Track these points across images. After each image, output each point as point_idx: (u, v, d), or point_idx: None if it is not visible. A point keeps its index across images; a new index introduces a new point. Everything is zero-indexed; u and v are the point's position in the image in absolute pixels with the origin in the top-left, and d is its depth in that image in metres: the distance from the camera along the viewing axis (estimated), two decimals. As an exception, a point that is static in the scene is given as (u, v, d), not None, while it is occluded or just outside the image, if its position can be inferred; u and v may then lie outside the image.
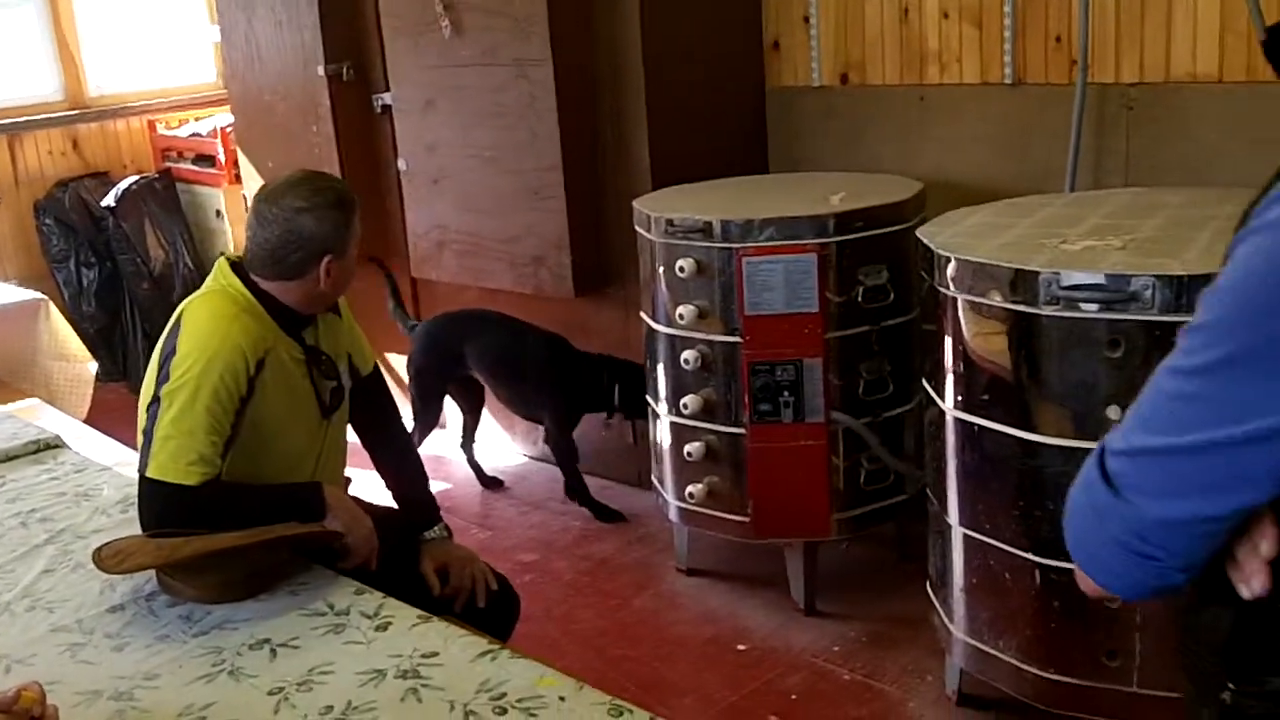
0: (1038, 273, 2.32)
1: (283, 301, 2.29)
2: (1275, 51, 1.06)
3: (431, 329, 4.12)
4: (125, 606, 2.03)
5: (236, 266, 2.32)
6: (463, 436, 4.32)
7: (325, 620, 1.92)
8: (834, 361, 3.11)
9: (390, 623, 1.89)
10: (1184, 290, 2.18)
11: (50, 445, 2.84)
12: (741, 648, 3.16)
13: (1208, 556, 1.00)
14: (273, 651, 1.84)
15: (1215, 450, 0.93)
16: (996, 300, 2.39)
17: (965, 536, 2.62)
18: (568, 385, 3.93)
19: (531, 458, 4.48)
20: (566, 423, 3.98)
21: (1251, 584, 1.00)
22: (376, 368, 2.59)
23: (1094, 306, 2.27)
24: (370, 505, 2.48)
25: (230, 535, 1.99)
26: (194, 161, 5.68)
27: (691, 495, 3.29)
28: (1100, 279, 2.25)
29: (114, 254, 5.60)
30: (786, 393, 3.09)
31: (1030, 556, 2.47)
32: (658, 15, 3.70)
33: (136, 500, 2.27)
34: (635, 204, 3.43)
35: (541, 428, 4.11)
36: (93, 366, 4.49)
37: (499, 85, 3.88)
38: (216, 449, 2.15)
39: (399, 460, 2.60)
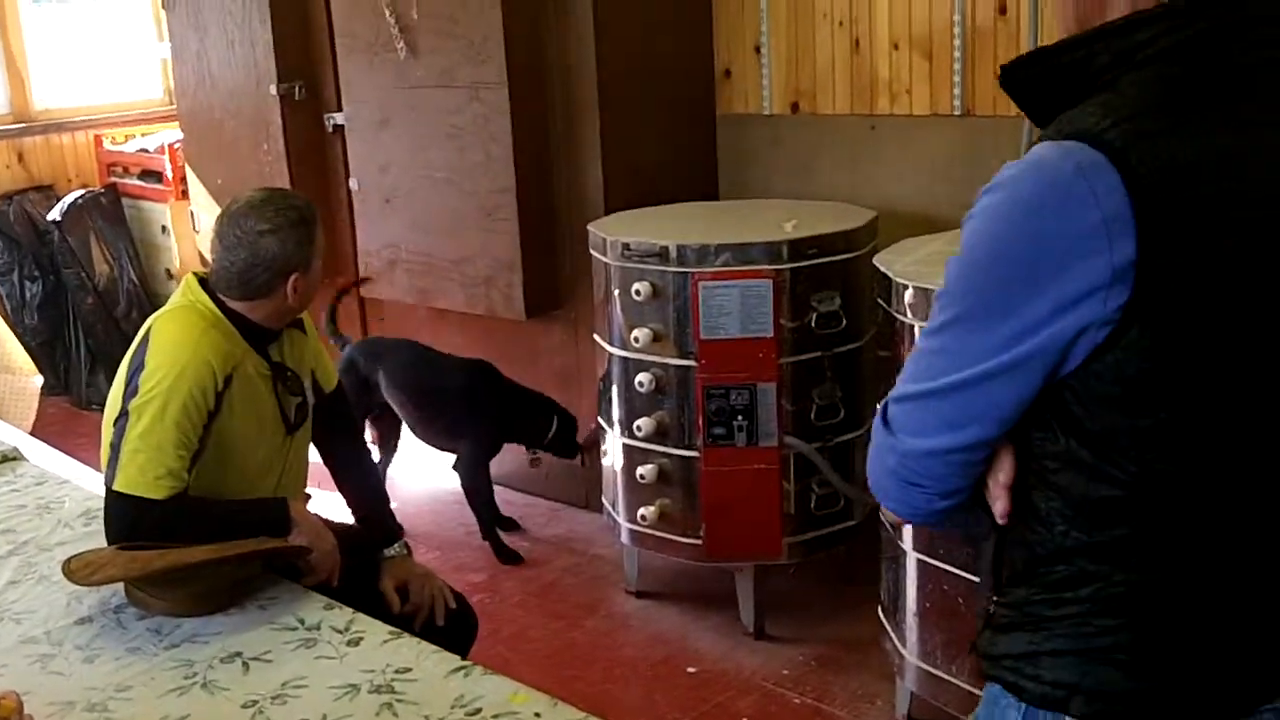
0: (990, 302, 2.38)
1: (250, 318, 2.31)
2: (1010, 86, 1.20)
3: (351, 354, 4.04)
4: (94, 618, 2.03)
5: (204, 282, 2.33)
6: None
7: (296, 635, 1.94)
8: (787, 386, 3.17)
9: (361, 638, 1.91)
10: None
11: (8, 457, 2.83)
12: (692, 670, 3.20)
13: (965, 485, 1.18)
14: (245, 665, 1.86)
15: (953, 392, 1.12)
16: (950, 328, 2.46)
17: (919, 562, 2.69)
18: (491, 414, 3.89)
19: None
20: (485, 453, 3.94)
21: (995, 508, 1.19)
22: (339, 385, 2.61)
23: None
24: (331, 522, 2.49)
25: (202, 549, 2.00)
26: (140, 177, 5.64)
27: (643, 517, 3.33)
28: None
29: (58, 268, 5.54)
30: (740, 416, 3.14)
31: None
32: (612, 41, 3.76)
33: (101, 513, 2.27)
34: (590, 227, 3.48)
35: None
36: (38, 380, 4.47)
37: (454, 107, 3.91)
38: (184, 463, 2.16)
39: (360, 477, 2.62)
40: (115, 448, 2.17)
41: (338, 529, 2.42)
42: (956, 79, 3.58)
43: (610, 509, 3.55)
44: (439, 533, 4.06)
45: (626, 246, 3.24)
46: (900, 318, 2.61)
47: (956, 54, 3.57)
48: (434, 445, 4.08)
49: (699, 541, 3.29)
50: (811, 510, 3.29)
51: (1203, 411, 1.05)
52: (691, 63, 4.06)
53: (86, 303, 5.52)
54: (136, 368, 2.22)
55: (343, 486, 2.63)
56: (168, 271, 5.58)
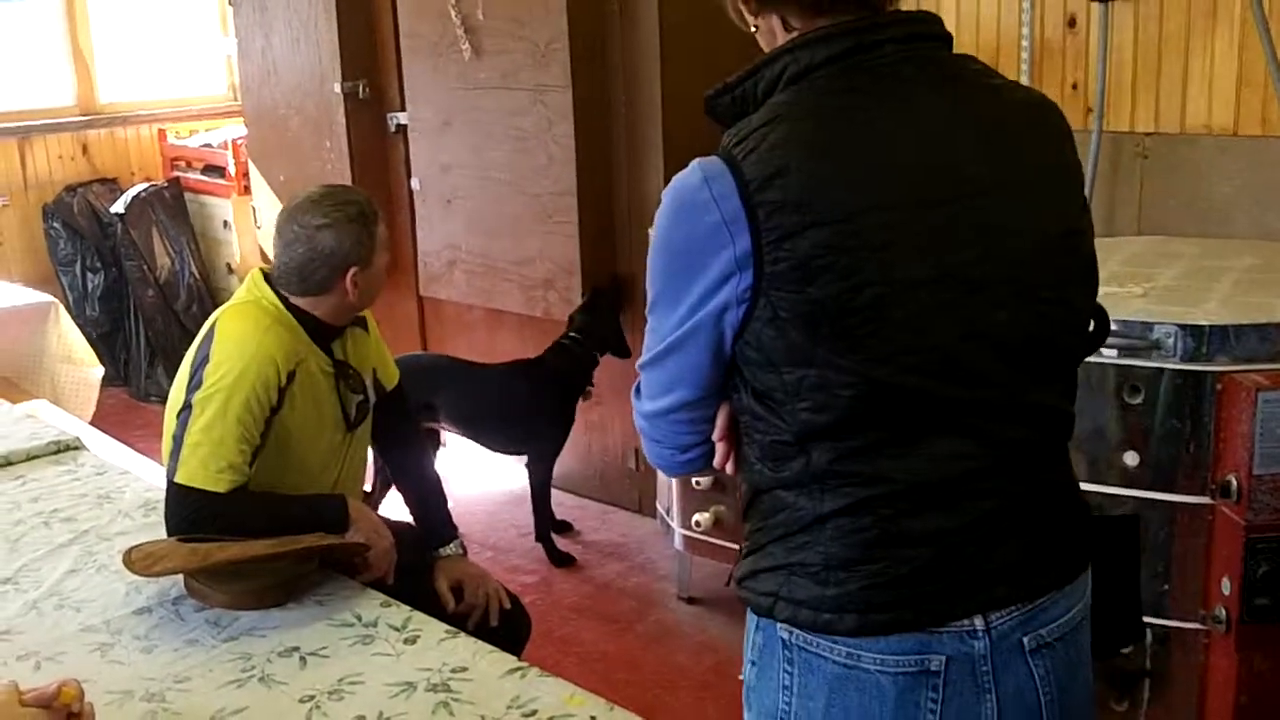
0: (1059, 316, 2.35)
1: (312, 314, 2.31)
2: (711, 113, 1.37)
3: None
4: (152, 609, 2.04)
5: (269, 278, 2.34)
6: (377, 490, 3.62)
7: (353, 631, 1.93)
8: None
9: (418, 636, 1.91)
10: (1206, 340, 2.23)
11: (70, 446, 2.85)
12: (743, 678, 3.16)
13: (696, 441, 1.38)
14: (302, 660, 1.85)
15: (658, 361, 1.33)
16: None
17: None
18: (554, 407, 3.84)
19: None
20: (557, 448, 3.90)
21: (715, 459, 1.39)
22: (400, 384, 2.61)
23: (1114, 352, 2.30)
24: (387, 519, 2.50)
25: (263, 544, 2.00)
26: (203, 172, 5.70)
27: (697, 524, 3.31)
28: (1122, 325, 2.28)
29: (120, 260, 5.61)
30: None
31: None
32: (676, 46, 3.75)
33: (160, 505, 2.29)
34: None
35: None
36: (98, 371, 4.51)
37: (517, 109, 3.92)
38: (245, 457, 2.17)
39: (419, 476, 2.62)
40: (178, 440, 2.18)
41: (394, 527, 2.42)
42: (1024, 91, 3.53)
43: (664, 514, 3.54)
44: (491, 534, 4.06)
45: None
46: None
47: (1024, 66, 3.52)
48: (503, 451, 4.07)
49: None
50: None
51: (829, 369, 1.23)
52: (755, 69, 4.03)
53: (147, 295, 5.58)
54: (201, 361, 2.23)
55: (400, 485, 2.63)
56: (228, 266, 5.64)
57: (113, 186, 5.81)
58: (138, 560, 1.99)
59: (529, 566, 3.85)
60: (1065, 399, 1.36)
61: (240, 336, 2.24)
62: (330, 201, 2.29)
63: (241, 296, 2.35)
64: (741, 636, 3.57)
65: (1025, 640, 1.31)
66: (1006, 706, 1.31)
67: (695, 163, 1.28)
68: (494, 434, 3.91)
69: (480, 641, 1.90)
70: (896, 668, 1.29)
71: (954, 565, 1.28)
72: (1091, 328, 1.40)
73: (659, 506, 3.61)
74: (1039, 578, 1.32)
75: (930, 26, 1.33)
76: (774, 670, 1.39)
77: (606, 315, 3.85)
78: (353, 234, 2.27)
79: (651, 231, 1.32)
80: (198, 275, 5.63)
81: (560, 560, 3.84)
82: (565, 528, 4.04)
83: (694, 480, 3.29)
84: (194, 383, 2.21)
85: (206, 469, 2.14)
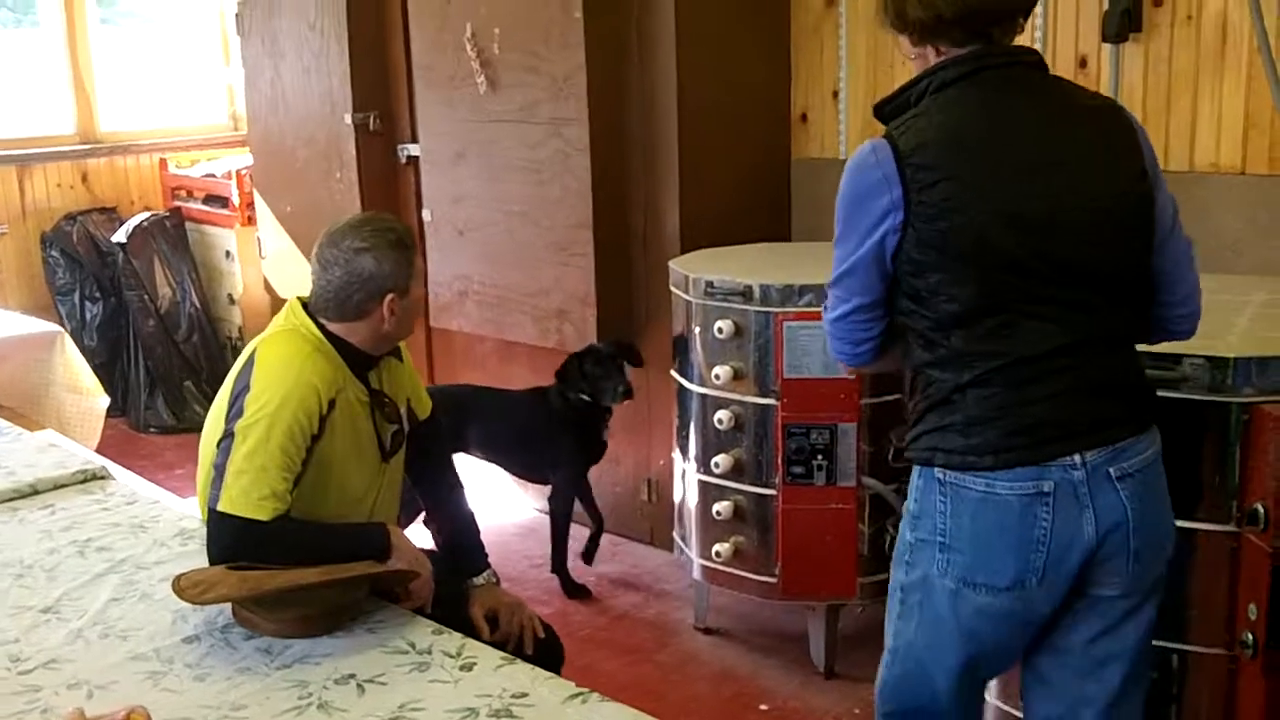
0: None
1: (350, 343, 2.33)
2: (878, 115, 1.97)
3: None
4: (201, 637, 2.04)
5: (307, 306, 2.35)
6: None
7: (409, 658, 1.94)
8: (865, 427, 3.18)
9: (474, 663, 1.92)
10: (1231, 371, 2.27)
11: (97, 476, 2.85)
12: (764, 708, 3.19)
13: (867, 338, 1.93)
14: (360, 687, 1.86)
15: (840, 280, 1.90)
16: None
17: (1002, 603, 2.68)
18: (570, 422, 3.83)
19: (542, 511, 4.48)
20: (581, 474, 3.93)
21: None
22: (433, 414, 2.63)
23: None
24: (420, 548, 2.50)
25: (314, 571, 2.01)
26: (204, 201, 5.71)
27: (718, 554, 3.33)
28: (1149, 359, 2.32)
29: (120, 289, 5.60)
30: (820, 456, 3.14)
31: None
32: (693, 82, 3.80)
33: (195, 534, 2.29)
34: (672, 264, 3.50)
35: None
36: (104, 401, 4.50)
37: (533, 141, 3.95)
38: (288, 485, 2.17)
39: (452, 505, 2.63)
40: (220, 469, 2.18)
41: (429, 555, 2.43)
42: (1036, 127, 3.59)
43: (681, 544, 3.55)
44: (502, 566, 3.99)
45: (710, 284, 3.25)
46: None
47: (1037, 102, 3.58)
48: (529, 479, 4.09)
49: (773, 579, 3.28)
50: (885, 552, 3.28)
51: (954, 274, 1.80)
52: (769, 106, 4.09)
53: (148, 325, 5.57)
54: (241, 389, 2.24)
55: (433, 513, 2.64)
56: (230, 297, 5.64)
57: (112, 215, 5.80)
58: (188, 588, 2.00)
59: (542, 597, 3.84)
60: (1124, 309, 1.90)
61: (282, 364, 2.25)
62: (370, 227, 2.30)
63: (280, 325, 2.36)
64: (759, 667, 3.65)
65: (1111, 470, 1.85)
66: (1101, 517, 1.85)
67: (868, 141, 1.86)
68: (520, 460, 3.94)
69: (538, 669, 1.91)
70: (1020, 491, 1.83)
71: (1058, 418, 1.83)
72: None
73: (675, 537, 3.62)
74: (1118, 429, 1.87)
75: (1028, 56, 1.92)
76: (932, 501, 1.91)
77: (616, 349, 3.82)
78: (391, 260, 2.29)
79: (840, 190, 1.88)
80: (199, 305, 5.63)
81: (575, 592, 3.85)
82: (583, 593, 3.90)
83: (714, 510, 3.31)
84: (234, 411, 2.22)
85: (249, 496, 2.14)
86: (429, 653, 1.95)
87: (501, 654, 1.95)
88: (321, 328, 2.31)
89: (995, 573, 1.87)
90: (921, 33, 1.88)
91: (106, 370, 5.58)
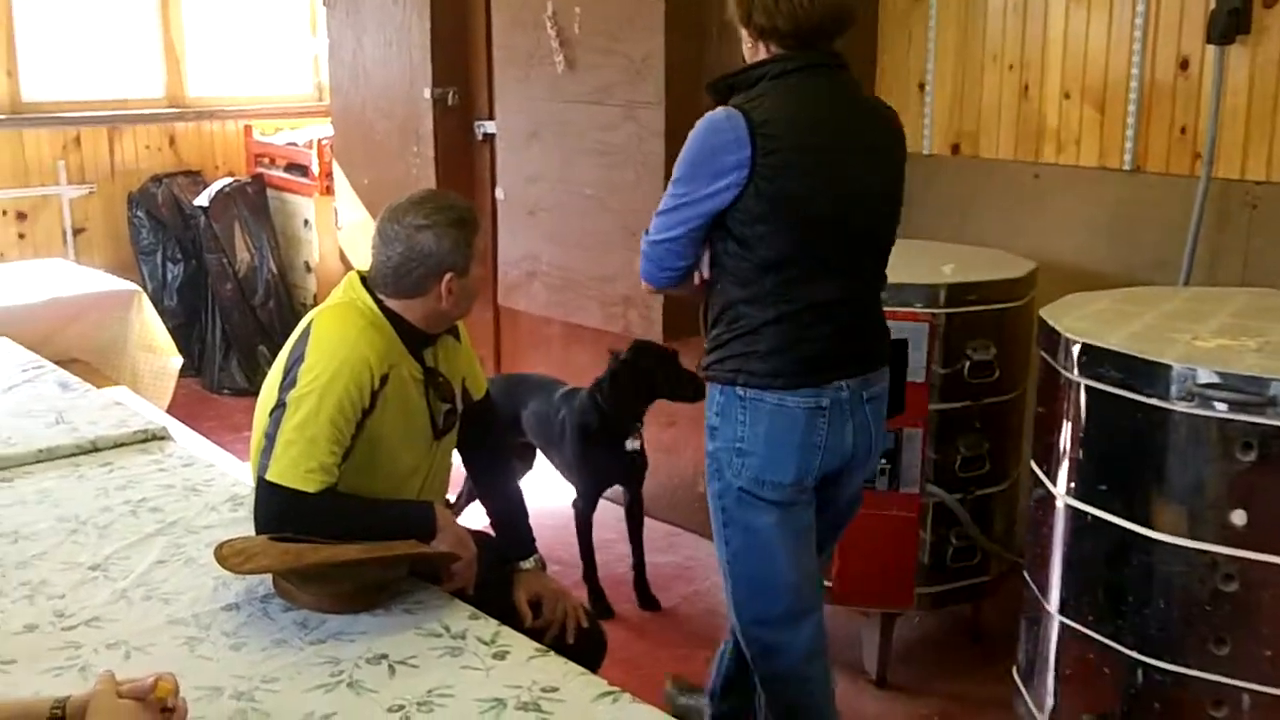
0: (1171, 366, 2.29)
1: (406, 319, 2.30)
2: (710, 90, 2.37)
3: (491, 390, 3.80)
4: (240, 606, 2.03)
5: (366, 281, 2.33)
6: (461, 500, 3.73)
7: (442, 642, 1.91)
8: (932, 433, 3.09)
9: (507, 652, 1.88)
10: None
11: (157, 436, 2.86)
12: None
13: (676, 265, 2.32)
14: (391, 668, 1.83)
15: (671, 211, 2.28)
16: (1125, 391, 2.37)
17: (1064, 626, 2.58)
18: (581, 434, 3.64)
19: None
20: (593, 485, 3.74)
21: (696, 277, 2.37)
22: (488, 394, 2.59)
23: (1228, 407, 2.24)
24: (469, 530, 2.47)
25: (355, 548, 1.99)
26: (286, 169, 5.75)
27: (773, 552, 3.26)
28: (1238, 380, 2.22)
29: (201, 252, 5.67)
30: (884, 460, 3.06)
31: (1133, 654, 2.43)
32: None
33: (247, 500, 2.28)
34: (743, 255, 3.43)
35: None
36: (177, 361, 4.55)
37: (607, 124, 3.90)
38: (336, 458, 2.15)
39: (502, 488, 2.60)
40: (270, 437, 2.17)
41: (475, 537, 2.40)
42: (1129, 133, 3.47)
43: (736, 541, 3.49)
44: (549, 554, 4.00)
45: (779, 277, 3.18)
46: (1066, 374, 2.52)
47: (1131, 108, 3.45)
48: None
49: (829, 584, 3.20)
50: (946, 562, 3.20)
51: (778, 228, 2.20)
52: (851, 96, 4.00)
53: (226, 289, 5.63)
54: (295, 360, 2.22)
55: (483, 495, 2.62)
56: (306, 264, 5.68)
57: (197, 179, 5.87)
58: (230, 556, 1.98)
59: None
60: (881, 271, 2.43)
61: (336, 337, 2.23)
62: (432, 204, 2.27)
63: (338, 298, 2.34)
64: None
65: (864, 394, 2.35)
66: (858, 427, 2.35)
67: (720, 109, 2.24)
68: (553, 457, 3.84)
69: (570, 662, 1.87)
70: (805, 405, 2.29)
71: (835, 352, 2.31)
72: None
73: (731, 532, 3.55)
74: (871, 362, 2.38)
75: (838, 61, 2.31)
76: (733, 414, 2.33)
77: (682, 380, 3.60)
78: (451, 238, 2.25)
79: (686, 143, 2.27)
80: (276, 272, 5.67)
81: (599, 609, 3.61)
82: (606, 613, 3.64)
83: (771, 508, 3.25)
84: (288, 381, 2.21)
85: (297, 468, 2.13)
86: (463, 637, 1.92)
87: (535, 644, 1.91)
88: (379, 303, 2.29)
89: (783, 470, 2.31)
90: (760, 35, 2.28)
91: (184, 331, 5.66)
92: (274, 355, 5.60)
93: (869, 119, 2.36)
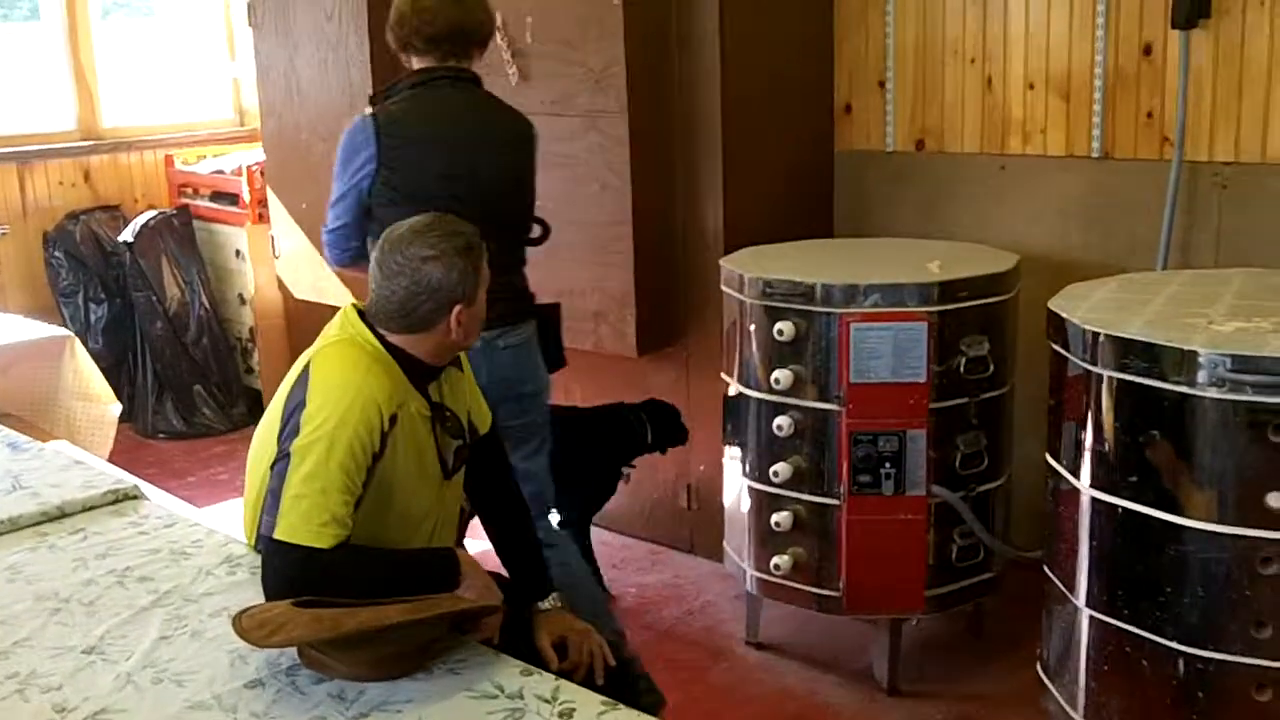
0: (1198, 353, 2.25)
1: (411, 354, 2.17)
2: (373, 100, 2.93)
3: None
4: (265, 682, 1.87)
5: (363, 315, 2.19)
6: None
7: (499, 704, 1.78)
8: (933, 433, 3.03)
9: (573, 709, 1.76)
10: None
11: (129, 495, 2.68)
12: None
13: (348, 247, 2.85)
14: (449, 738, 1.70)
15: (336, 204, 2.83)
16: (1151, 380, 2.32)
17: (1094, 620, 2.54)
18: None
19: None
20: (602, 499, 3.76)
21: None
22: (494, 427, 2.47)
23: (1258, 390, 2.21)
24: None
25: (397, 608, 1.85)
26: (213, 199, 5.51)
27: (776, 567, 3.18)
28: (1268, 362, 2.19)
29: (126, 290, 5.41)
30: (888, 464, 3.00)
31: (1173, 644, 2.39)
32: (735, 71, 3.64)
33: (251, 560, 2.13)
34: (723, 262, 3.35)
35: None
36: (116, 408, 4.32)
37: (567, 135, 3.78)
38: (349, 509, 2.02)
39: (515, 526, 2.48)
40: (275, 493, 2.03)
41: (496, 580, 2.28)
42: (1096, 120, 3.45)
43: (735, 556, 3.40)
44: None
45: (768, 284, 3.10)
46: (1086, 365, 2.47)
47: (1097, 95, 3.44)
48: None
49: (836, 593, 3.13)
50: (952, 562, 3.14)
51: (402, 209, 2.41)
52: (812, 97, 3.94)
53: (155, 328, 5.38)
54: (296, 406, 2.08)
55: (494, 535, 2.48)
56: (241, 297, 5.46)
57: (116, 214, 5.60)
58: (252, 629, 1.83)
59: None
60: (518, 243, 2.94)
61: (339, 378, 2.09)
62: (437, 232, 2.14)
63: (335, 335, 2.20)
64: (818, 685, 3.59)
65: (500, 344, 2.82)
66: (493, 371, 2.75)
67: (361, 114, 2.78)
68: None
69: (642, 715, 1.76)
70: None
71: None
72: (538, 233, 3.03)
73: (727, 547, 3.47)
74: (503, 319, 2.76)
75: (469, 75, 2.86)
76: None
77: (669, 415, 3.71)
78: (459, 267, 2.13)
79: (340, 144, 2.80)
80: (208, 307, 5.44)
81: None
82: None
83: (772, 521, 3.16)
84: (289, 429, 2.07)
85: (309, 523, 1.99)
86: (520, 697, 1.79)
87: (603, 699, 1.79)
88: (380, 338, 2.15)
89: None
90: (403, 50, 2.85)
91: (113, 374, 5.36)
92: (210, 394, 5.49)
93: (489, 120, 2.89)
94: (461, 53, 2.83)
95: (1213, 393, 2.25)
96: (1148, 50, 3.35)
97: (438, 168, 2.74)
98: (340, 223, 2.83)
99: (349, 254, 2.86)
